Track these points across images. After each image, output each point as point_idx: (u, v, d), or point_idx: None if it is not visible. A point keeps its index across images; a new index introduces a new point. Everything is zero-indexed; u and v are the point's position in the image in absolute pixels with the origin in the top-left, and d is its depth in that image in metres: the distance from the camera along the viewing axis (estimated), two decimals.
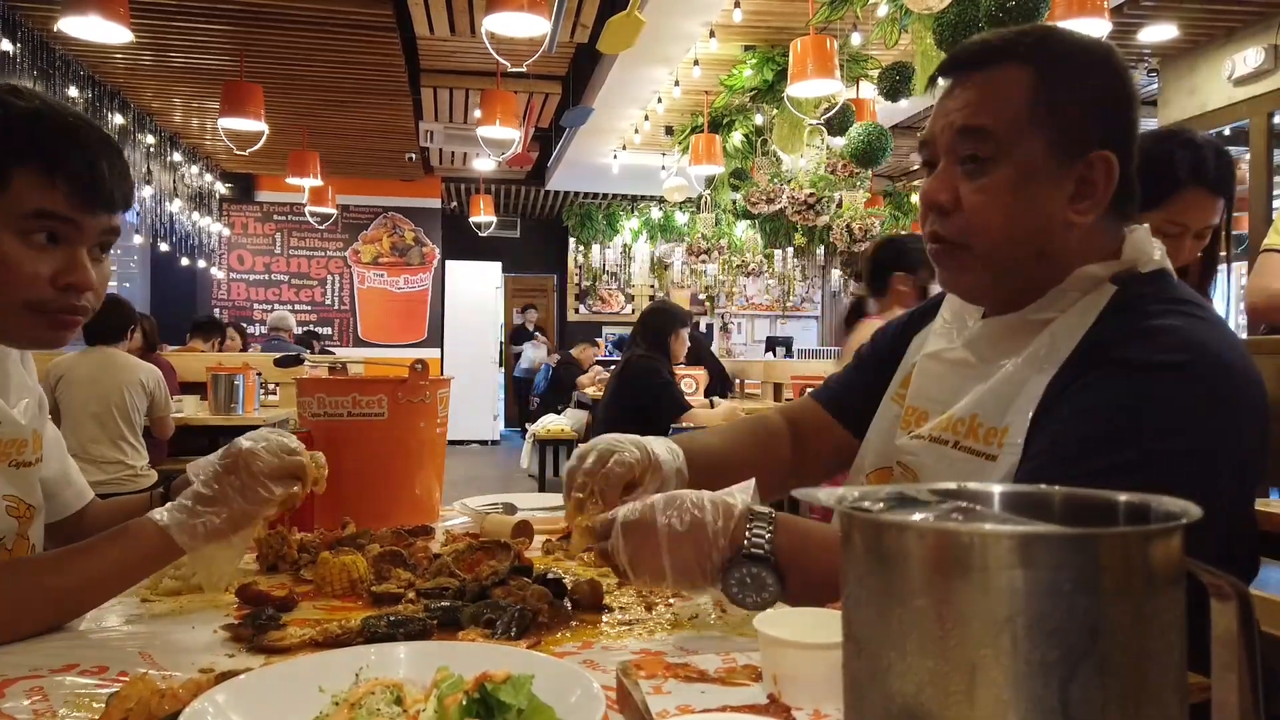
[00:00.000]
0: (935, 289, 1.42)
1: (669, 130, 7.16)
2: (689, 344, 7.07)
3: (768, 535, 0.84)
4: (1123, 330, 0.86)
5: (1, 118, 0.91)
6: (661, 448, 1.09)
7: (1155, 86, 6.00)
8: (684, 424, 3.88)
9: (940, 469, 0.97)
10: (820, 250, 11.05)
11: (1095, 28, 3.28)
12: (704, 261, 8.11)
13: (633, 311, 11.08)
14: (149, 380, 3.75)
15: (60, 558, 0.93)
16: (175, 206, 8.12)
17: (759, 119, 6.02)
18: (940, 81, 1.00)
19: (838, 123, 4.86)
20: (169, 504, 0.94)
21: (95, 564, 0.91)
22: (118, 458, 3.60)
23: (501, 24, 3.59)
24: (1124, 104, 0.93)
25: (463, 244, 10.77)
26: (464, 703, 0.59)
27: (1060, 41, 0.95)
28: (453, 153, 9.19)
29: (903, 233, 7.83)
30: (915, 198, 9.02)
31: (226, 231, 9.94)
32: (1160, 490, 0.80)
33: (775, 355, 10.04)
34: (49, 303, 0.93)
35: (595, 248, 11.62)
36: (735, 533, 0.85)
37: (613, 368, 4.22)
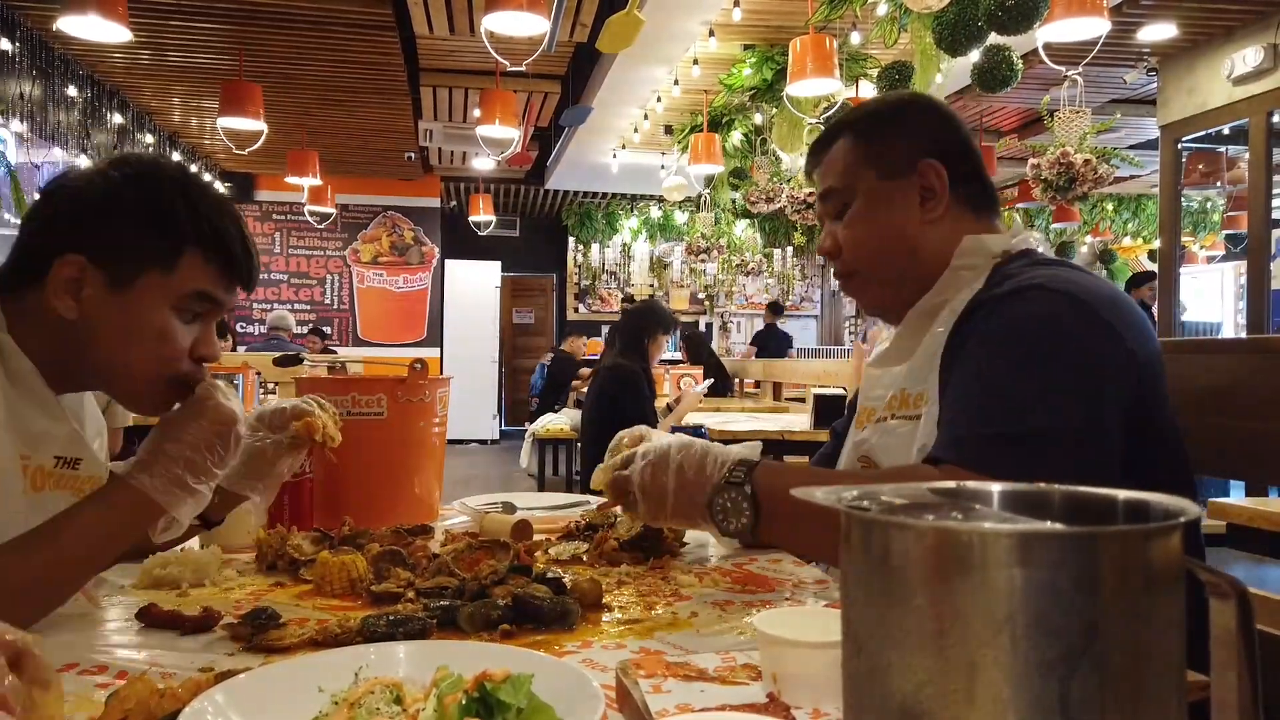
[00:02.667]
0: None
1: (668, 129, 7.16)
2: (694, 345, 7.08)
3: (746, 471, 0.99)
4: (994, 286, 1.05)
5: (180, 199, 0.96)
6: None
7: (1155, 86, 6.00)
8: None
9: (887, 442, 1.12)
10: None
11: (1094, 27, 3.28)
12: (703, 260, 8.11)
13: None
14: None
15: (24, 542, 0.88)
16: None
17: (758, 118, 6.01)
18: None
19: None
20: (134, 465, 0.94)
21: (71, 544, 0.88)
22: None
23: (501, 23, 3.58)
24: (941, 130, 1.15)
25: (462, 243, 10.76)
26: (463, 702, 0.59)
27: (873, 106, 1.22)
28: (452, 152, 9.18)
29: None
30: None
31: None
32: (1057, 381, 0.92)
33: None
34: (187, 375, 0.99)
35: (594, 247, 11.62)
36: (726, 471, 1.00)
37: (595, 368, 4.15)
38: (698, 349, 6.87)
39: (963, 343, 1.01)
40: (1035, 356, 0.93)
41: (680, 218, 10.43)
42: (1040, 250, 1.13)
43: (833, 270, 1.21)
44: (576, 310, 11.77)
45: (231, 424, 0.98)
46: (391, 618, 0.85)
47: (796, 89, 4.07)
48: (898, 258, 1.13)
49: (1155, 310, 6.11)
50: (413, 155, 8.99)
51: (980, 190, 1.15)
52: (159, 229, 0.96)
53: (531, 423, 7.15)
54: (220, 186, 9.35)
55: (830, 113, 4.81)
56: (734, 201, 7.33)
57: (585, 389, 6.85)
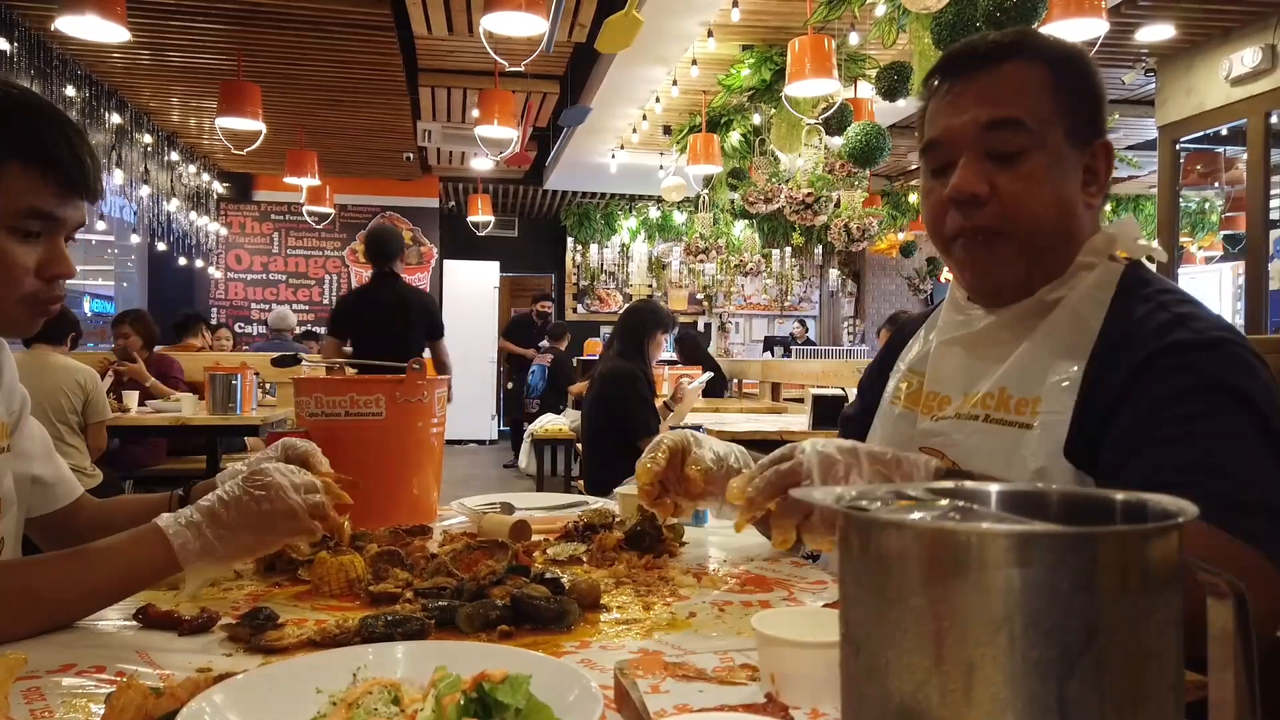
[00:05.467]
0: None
1: (667, 130, 7.16)
2: (688, 345, 7.09)
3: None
4: (1154, 320, 0.91)
5: (3, 109, 0.90)
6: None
7: (1153, 86, 6.00)
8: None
9: (974, 444, 0.99)
10: (818, 250, 11.05)
11: (1093, 28, 3.29)
12: (702, 261, 8.10)
13: None
14: (87, 382, 3.65)
15: (57, 561, 0.92)
16: (172, 206, 8.11)
17: (757, 118, 6.01)
18: (937, 83, 1.01)
19: (835, 122, 4.85)
20: (181, 516, 0.92)
21: (95, 573, 0.90)
22: None
23: (499, 23, 3.58)
24: (1105, 100, 1.00)
25: (460, 243, 10.76)
26: (462, 702, 0.59)
27: (1056, 41, 1.02)
28: (451, 152, 9.18)
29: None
30: (914, 197, 9.04)
31: (224, 231, 9.93)
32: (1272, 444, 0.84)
33: (773, 355, 10.05)
34: (39, 294, 0.94)
35: (593, 247, 11.62)
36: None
37: (593, 370, 4.15)
38: (693, 349, 6.86)
39: (1140, 388, 0.88)
40: (1268, 427, 0.84)
41: (679, 218, 10.42)
42: (1154, 259, 1.03)
43: (958, 219, 0.97)
44: (575, 310, 11.77)
45: (293, 520, 0.96)
46: (389, 618, 0.85)
47: (795, 89, 4.07)
48: (1057, 234, 0.96)
49: None
50: (411, 155, 8.98)
51: None
52: None
53: (529, 424, 7.15)
54: (219, 186, 9.37)
55: (828, 113, 4.80)
56: (732, 202, 7.33)
57: (583, 391, 6.85)
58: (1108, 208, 10.73)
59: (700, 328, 11.40)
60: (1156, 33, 5.28)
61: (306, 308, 10.25)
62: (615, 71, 5.89)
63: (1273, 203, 5.39)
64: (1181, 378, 0.87)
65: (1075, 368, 0.93)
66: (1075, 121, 0.96)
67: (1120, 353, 0.91)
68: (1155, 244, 1.03)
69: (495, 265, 10.93)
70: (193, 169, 8.62)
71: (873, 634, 0.42)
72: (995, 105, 0.95)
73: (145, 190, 7.58)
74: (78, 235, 1.00)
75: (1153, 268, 1.03)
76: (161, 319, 6.29)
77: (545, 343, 8.50)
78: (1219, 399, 0.85)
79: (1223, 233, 8.02)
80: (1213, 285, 10.01)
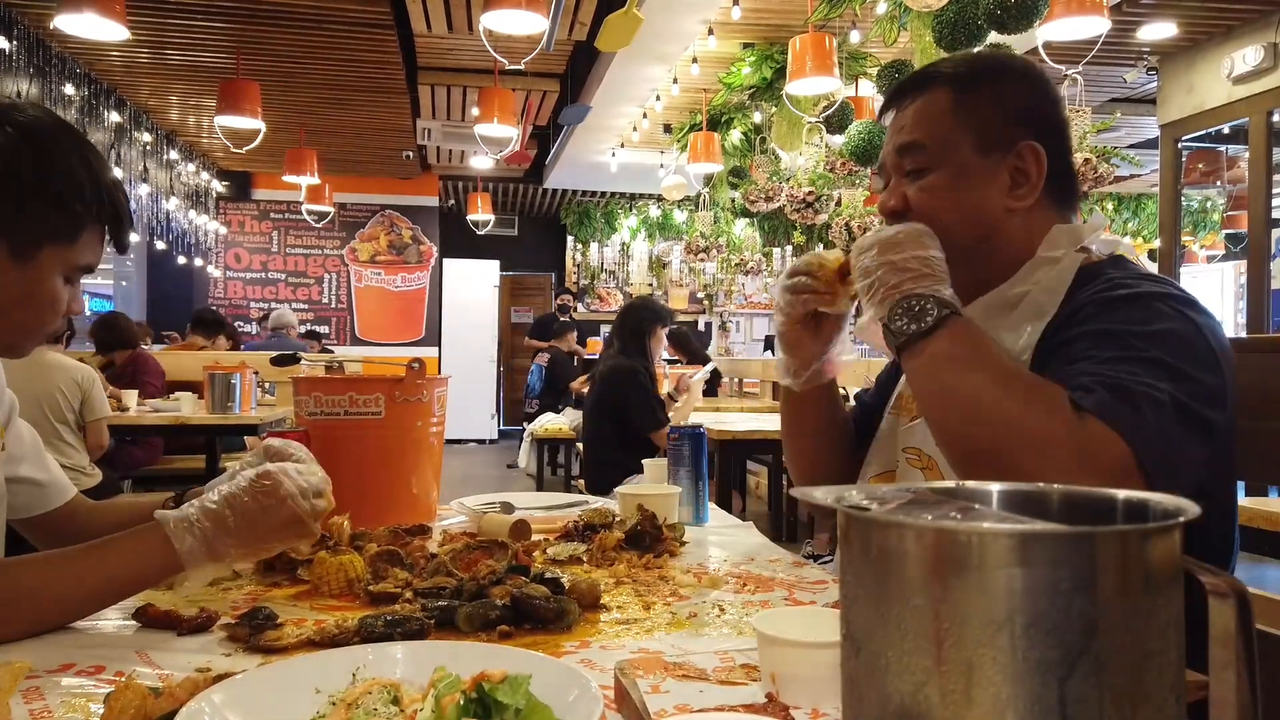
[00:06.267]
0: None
1: (667, 128, 7.15)
2: (668, 341, 7.08)
3: (940, 299, 0.93)
4: (1095, 289, 0.98)
5: (83, 173, 0.97)
6: None
7: (1154, 85, 6.00)
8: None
9: None
10: (819, 249, 11.04)
11: (1094, 26, 3.28)
12: (702, 260, 8.09)
13: None
14: (84, 379, 3.62)
15: (57, 561, 0.92)
16: (171, 204, 8.11)
17: (758, 117, 6.01)
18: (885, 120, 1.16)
19: (837, 121, 4.85)
20: (185, 516, 0.91)
21: (96, 573, 0.90)
22: (55, 458, 3.47)
23: (499, 21, 3.58)
24: (1045, 106, 1.07)
25: (460, 242, 10.76)
26: (461, 703, 0.59)
27: (976, 61, 1.13)
28: (450, 150, 9.17)
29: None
30: None
31: (223, 230, 9.92)
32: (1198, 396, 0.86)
33: (774, 354, 10.04)
34: (57, 329, 1.04)
35: (593, 246, 11.61)
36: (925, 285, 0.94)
37: (594, 369, 4.15)
38: (684, 343, 6.89)
39: (1077, 336, 0.94)
40: (1176, 368, 0.86)
41: (679, 217, 10.42)
42: (1129, 257, 1.06)
43: None
44: (575, 310, 11.76)
45: (298, 526, 0.95)
46: (389, 618, 0.85)
47: (796, 88, 4.07)
48: (970, 238, 1.03)
49: None
50: (411, 154, 8.98)
51: (1068, 180, 1.08)
52: (63, 207, 0.97)
53: (529, 424, 7.14)
54: (218, 185, 9.37)
55: (829, 112, 4.81)
56: (733, 200, 7.32)
57: (584, 390, 6.84)
58: (1109, 206, 10.59)
59: (701, 327, 11.40)
60: (1158, 31, 5.27)
61: (305, 306, 10.24)
62: (615, 70, 5.89)
63: (1274, 201, 5.39)
64: (1092, 323, 0.93)
65: (1031, 342, 0.99)
66: (983, 133, 1.04)
67: (1064, 323, 0.97)
68: (1125, 239, 1.07)
69: (495, 264, 10.93)
70: (192, 167, 8.61)
71: (873, 634, 0.41)
72: (905, 132, 1.08)
73: (144, 189, 7.57)
74: None
75: (1152, 265, 1.03)
76: (160, 318, 6.28)
77: (551, 340, 8.50)
78: (1137, 335, 0.89)
79: (1224, 231, 8.00)
80: (1214, 284, 10.01)
